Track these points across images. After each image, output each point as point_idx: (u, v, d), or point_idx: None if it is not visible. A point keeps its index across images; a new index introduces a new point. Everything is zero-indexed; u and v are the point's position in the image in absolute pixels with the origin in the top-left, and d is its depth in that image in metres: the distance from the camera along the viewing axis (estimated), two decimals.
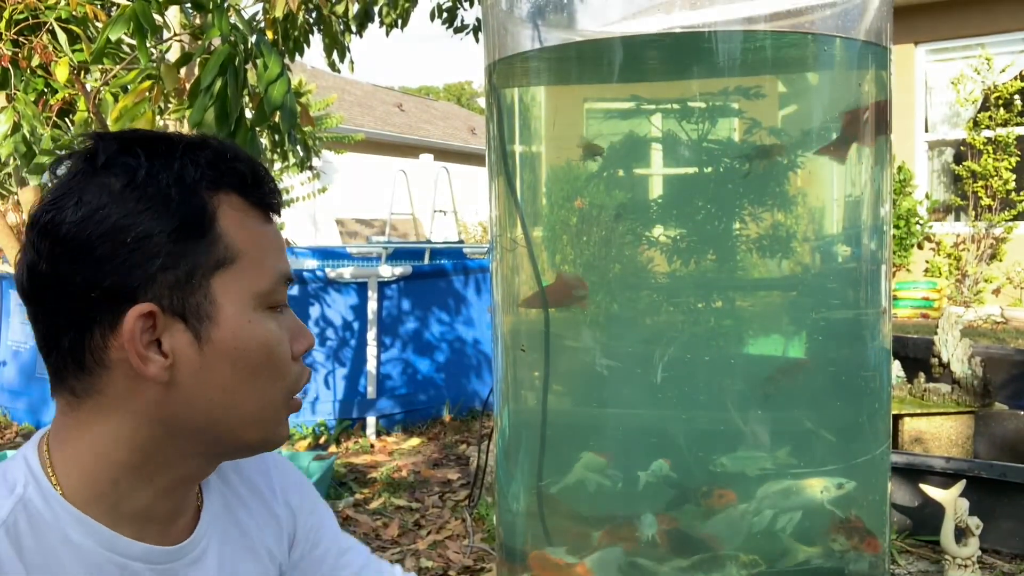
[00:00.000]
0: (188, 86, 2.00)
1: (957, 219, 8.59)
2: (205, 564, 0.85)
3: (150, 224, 0.75)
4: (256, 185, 0.82)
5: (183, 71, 2.37)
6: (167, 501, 0.82)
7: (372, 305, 4.52)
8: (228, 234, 0.78)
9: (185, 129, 2.62)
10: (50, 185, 0.79)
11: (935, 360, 3.69)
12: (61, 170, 0.79)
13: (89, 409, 0.78)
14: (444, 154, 17.41)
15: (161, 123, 2.79)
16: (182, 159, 0.78)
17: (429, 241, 11.03)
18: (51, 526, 0.75)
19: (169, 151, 0.78)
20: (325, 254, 7.64)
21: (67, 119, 2.73)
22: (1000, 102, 7.95)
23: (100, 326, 0.75)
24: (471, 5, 4.59)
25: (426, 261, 6.97)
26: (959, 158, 8.44)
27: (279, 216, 0.86)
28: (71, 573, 0.75)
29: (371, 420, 4.46)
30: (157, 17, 1.93)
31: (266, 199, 0.83)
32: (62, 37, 2.31)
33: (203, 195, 0.77)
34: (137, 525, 0.79)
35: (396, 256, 7.15)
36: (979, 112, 8.11)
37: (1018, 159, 7.97)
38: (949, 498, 2.51)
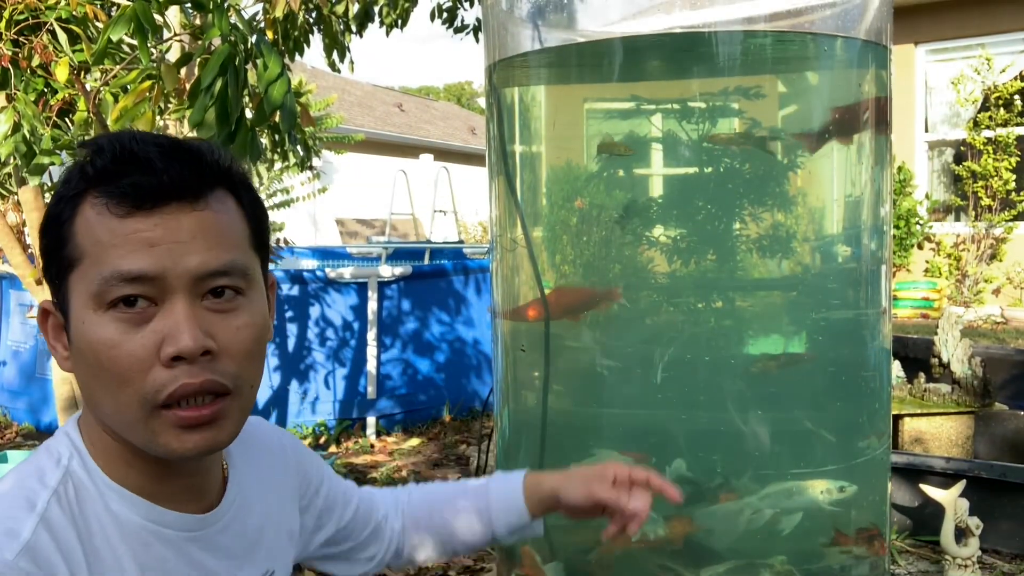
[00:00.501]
0: (188, 86, 2.00)
1: (957, 219, 8.58)
2: (234, 529, 0.89)
3: (43, 232, 0.81)
4: (115, 178, 0.77)
5: (183, 71, 2.37)
6: (174, 482, 0.84)
7: (372, 305, 4.52)
8: (79, 234, 0.78)
9: (186, 129, 2.62)
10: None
11: (935, 360, 3.69)
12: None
13: None
14: (444, 154, 17.40)
15: (161, 123, 2.79)
16: (78, 166, 0.80)
17: (429, 241, 11.03)
18: (93, 496, 0.80)
19: (86, 157, 0.80)
20: (325, 254, 7.64)
21: (67, 119, 2.73)
22: (1000, 102, 7.95)
23: None
24: (471, 5, 4.59)
25: (426, 261, 6.97)
26: (959, 158, 8.44)
27: (163, 204, 0.77)
28: (113, 540, 0.79)
29: (371, 420, 4.46)
30: (157, 17, 1.93)
31: (127, 191, 0.76)
32: (62, 37, 2.31)
33: (71, 198, 0.79)
34: (164, 499, 0.83)
35: (396, 256, 7.16)
36: (979, 112, 8.11)
37: (1018, 159, 7.97)
38: (949, 498, 2.50)
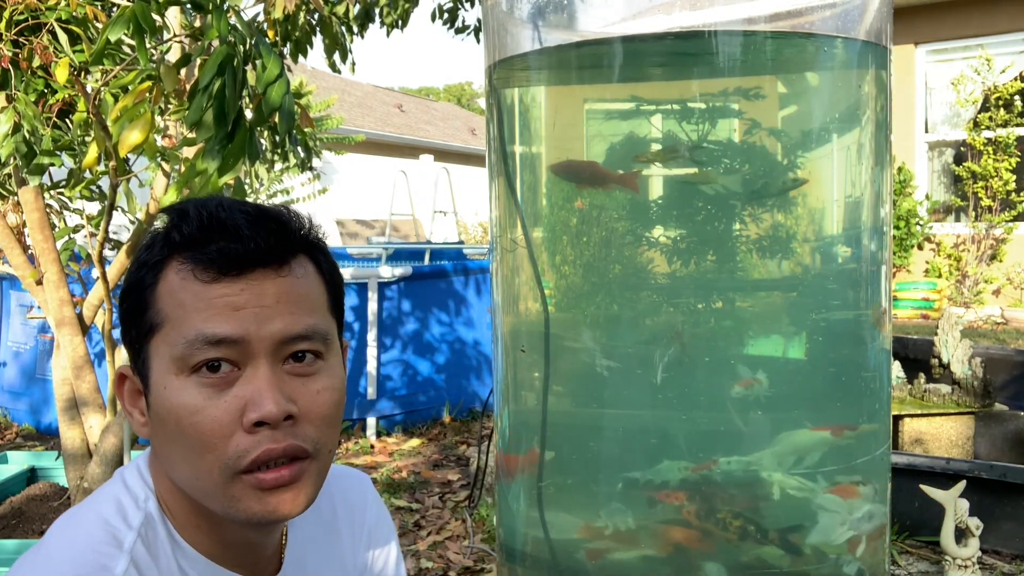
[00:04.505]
0: (188, 87, 2.00)
1: (957, 220, 8.59)
2: None
3: (124, 298, 0.82)
4: (202, 244, 0.77)
5: (183, 72, 2.37)
6: (237, 549, 0.84)
7: (372, 306, 4.52)
8: (161, 299, 0.78)
9: (184, 130, 2.62)
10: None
11: (935, 361, 3.69)
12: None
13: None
14: (444, 155, 17.41)
15: (161, 124, 2.79)
16: (162, 232, 0.80)
17: (429, 242, 11.03)
18: (164, 544, 0.81)
19: (170, 223, 0.81)
20: None
21: (67, 119, 2.73)
22: (1000, 103, 7.95)
23: None
24: (472, 6, 4.59)
25: (426, 262, 6.97)
26: (959, 159, 8.44)
27: (249, 270, 0.77)
28: None
29: (371, 421, 4.46)
30: (157, 18, 1.93)
31: (214, 258, 0.76)
32: (62, 38, 2.31)
33: (153, 264, 0.79)
34: (227, 563, 0.84)
35: (396, 257, 7.15)
36: (979, 113, 8.11)
37: (1018, 160, 7.97)
38: (949, 499, 2.50)
